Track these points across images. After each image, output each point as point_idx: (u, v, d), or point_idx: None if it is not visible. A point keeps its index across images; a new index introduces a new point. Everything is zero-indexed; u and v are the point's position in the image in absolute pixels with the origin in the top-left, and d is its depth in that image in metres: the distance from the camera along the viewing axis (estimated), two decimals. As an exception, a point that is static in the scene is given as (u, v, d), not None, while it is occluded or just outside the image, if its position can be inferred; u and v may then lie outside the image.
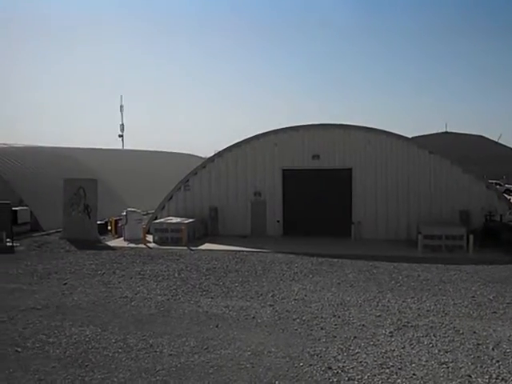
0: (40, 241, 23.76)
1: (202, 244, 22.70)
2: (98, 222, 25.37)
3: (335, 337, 10.64)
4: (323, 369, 8.97)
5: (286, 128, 24.84)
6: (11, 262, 19.10)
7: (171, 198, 26.21)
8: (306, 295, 14.00)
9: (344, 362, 9.24)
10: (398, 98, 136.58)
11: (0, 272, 17.43)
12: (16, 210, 24.96)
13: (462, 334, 10.70)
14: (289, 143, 24.77)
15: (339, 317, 12.02)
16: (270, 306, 13.02)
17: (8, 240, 22.69)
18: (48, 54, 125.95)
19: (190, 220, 24.22)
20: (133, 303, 13.40)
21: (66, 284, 15.63)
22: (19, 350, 10.12)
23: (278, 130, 24.95)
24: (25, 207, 26.26)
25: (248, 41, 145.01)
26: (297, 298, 13.77)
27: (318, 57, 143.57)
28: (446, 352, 9.66)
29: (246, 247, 21.61)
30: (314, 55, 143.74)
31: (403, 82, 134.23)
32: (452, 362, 9.14)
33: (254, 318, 12.05)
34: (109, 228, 26.31)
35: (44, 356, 9.78)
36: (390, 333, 10.82)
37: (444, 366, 9.00)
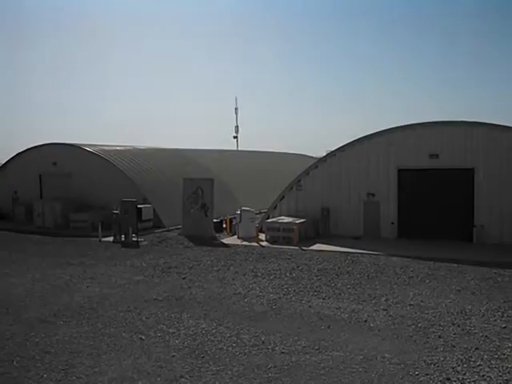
0: (161, 237, 25.33)
1: (313, 244, 22.67)
2: (214, 220, 26.43)
3: (454, 346, 10.05)
4: (441, 379, 8.53)
5: (402, 126, 23.91)
6: (136, 256, 20.62)
7: (283, 197, 26.51)
8: (422, 301, 13.40)
9: (464, 374, 8.69)
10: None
11: (127, 265, 18.91)
12: (141, 208, 26.81)
13: None
14: (405, 142, 23.82)
15: (459, 326, 11.34)
16: (384, 310, 12.65)
17: (134, 235, 24.51)
18: (161, 57, 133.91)
19: (302, 220, 24.31)
20: (246, 300, 13.78)
21: (184, 278, 16.51)
22: (143, 337, 10.89)
23: (393, 128, 24.12)
24: (148, 205, 28.13)
25: (353, 43, 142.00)
26: (412, 303, 13.23)
27: (435, 56, 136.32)
28: None
29: (359, 249, 21.18)
30: (430, 54, 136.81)
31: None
32: None
33: (366, 321, 11.79)
34: (224, 226, 27.30)
35: (165, 345, 10.43)
36: (517, 346, 9.98)
37: None
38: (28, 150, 35.47)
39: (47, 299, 14.13)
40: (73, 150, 32.80)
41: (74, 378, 8.93)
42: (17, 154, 36.30)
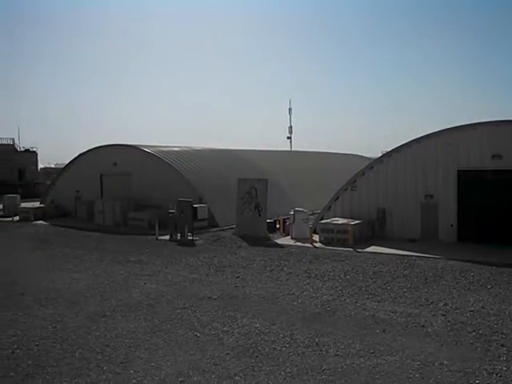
0: (216, 236, 25.67)
1: (368, 246, 22.28)
2: (268, 220, 26.50)
3: (518, 356, 9.61)
4: (503, 389, 8.17)
5: (463, 126, 23.04)
6: (192, 254, 21.00)
7: (338, 198, 26.19)
8: (483, 307, 12.87)
9: (529, 386, 8.29)
10: None
11: (183, 263, 19.30)
12: (196, 207, 27.26)
13: None
14: (465, 142, 22.94)
15: (523, 334, 10.82)
16: (442, 315, 12.26)
17: (189, 234, 24.97)
18: (215, 59, 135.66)
19: (357, 221, 23.95)
20: (299, 300, 13.74)
21: (238, 277, 16.66)
22: (198, 335, 11.08)
23: (452, 128, 23.29)
24: (203, 204, 28.58)
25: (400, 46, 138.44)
26: (472, 309, 12.73)
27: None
28: None
29: (415, 252, 20.61)
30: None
31: None
32: None
33: (423, 326, 11.47)
34: (277, 226, 27.32)
35: (219, 343, 10.56)
36: None
37: None
38: (89, 151, 36.96)
39: (107, 294, 14.66)
40: (132, 151, 33.87)
41: (132, 371, 9.21)
42: (79, 155, 37.90)
